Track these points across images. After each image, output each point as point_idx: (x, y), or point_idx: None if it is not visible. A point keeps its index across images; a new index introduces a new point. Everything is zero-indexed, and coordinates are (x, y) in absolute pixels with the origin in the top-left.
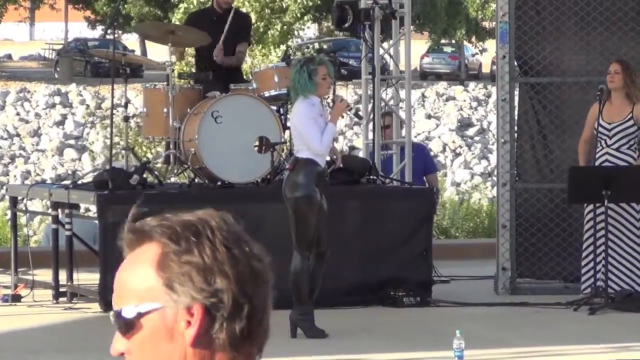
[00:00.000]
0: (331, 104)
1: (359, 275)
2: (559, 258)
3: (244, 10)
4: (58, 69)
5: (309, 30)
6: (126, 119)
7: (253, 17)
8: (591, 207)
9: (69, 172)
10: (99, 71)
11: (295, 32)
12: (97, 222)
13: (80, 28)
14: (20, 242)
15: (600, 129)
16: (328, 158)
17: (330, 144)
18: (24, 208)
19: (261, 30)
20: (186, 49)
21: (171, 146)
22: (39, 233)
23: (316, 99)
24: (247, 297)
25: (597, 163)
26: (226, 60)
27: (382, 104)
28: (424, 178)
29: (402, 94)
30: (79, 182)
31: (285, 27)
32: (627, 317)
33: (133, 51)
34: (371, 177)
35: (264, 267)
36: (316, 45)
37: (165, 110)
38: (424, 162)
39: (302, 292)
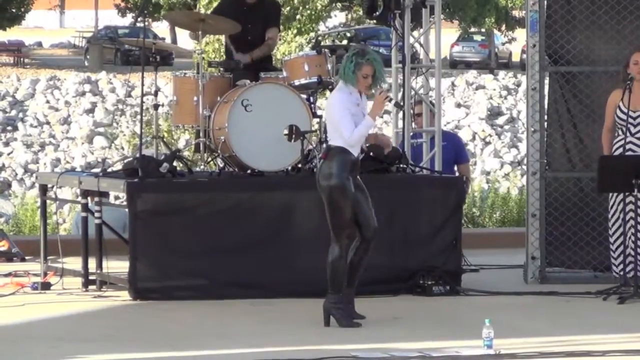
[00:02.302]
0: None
1: (388, 264)
2: (589, 247)
3: None
4: (88, 57)
5: (336, 18)
6: (156, 107)
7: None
8: (620, 196)
9: (99, 159)
10: (129, 59)
11: (322, 20)
12: (126, 210)
13: (110, 16)
14: (50, 230)
15: (622, 116)
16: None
17: (362, 136)
18: (53, 196)
19: (288, 15)
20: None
21: (201, 134)
22: (69, 221)
23: (354, 90)
24: None
25: (619, 151)
26: (257, 52)
27: (412, 92)
28: (455, 167)
29: (432, 82)
30: (109, 170)
31: (313, 13)
32: None
33: (163, 39)
34: (401, 165)
35: None
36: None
37: (195, 98)
38: (456, 151)
39: (337, 281)
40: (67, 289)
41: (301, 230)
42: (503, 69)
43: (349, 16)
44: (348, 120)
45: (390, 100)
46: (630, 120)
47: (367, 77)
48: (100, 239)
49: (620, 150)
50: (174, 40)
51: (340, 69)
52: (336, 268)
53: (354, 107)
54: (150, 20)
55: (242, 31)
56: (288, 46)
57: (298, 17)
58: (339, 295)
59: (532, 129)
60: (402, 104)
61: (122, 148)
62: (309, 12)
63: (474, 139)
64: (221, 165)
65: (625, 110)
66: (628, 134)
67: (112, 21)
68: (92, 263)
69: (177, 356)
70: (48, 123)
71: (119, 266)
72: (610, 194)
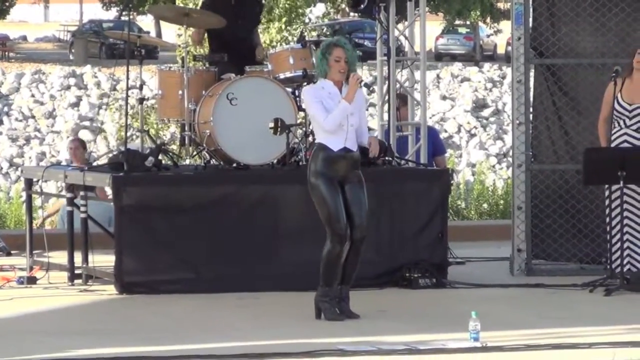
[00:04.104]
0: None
1: (374, 257)
2: (575, 240)
3: None
4: (73, 51)
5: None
6: (141, 101)
7: None
8: (614, 189)
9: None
10: (113, 53)
11: (300, 11)
12: (112, 204)
13: (94, 9)
14: (36, 225)
15: (619, 108)
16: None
17: (337, 121)
18: (39, 190)
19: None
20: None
21: (186, 128)
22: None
23: (327, 83)
24: None
25: (615, 143)
26: (261, 53)
27: (397, 85)
28: (433, 160)
29: (417, 75)
30: (94, 164)
31: (288, 4)
32: None
33: (148, 33)
34: (387, 158)
35: None
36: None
37: (180, 92)
38: (433, 144)
39: (326, 275)
40: (53, 283)
41: (287, 224)
42: (488, 62)
43: (329, 6)
44: (319, 107)
45: (361, 82)
46: (625, 112)
47: (339, 60)
48: (86, 233)
49: (619, 142)
50: (159, 34)
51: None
52: (325, 262)
53: (326, 99)
54: (135, 13)
55: (229, 27)
56: (269, 35)
57: (276, 11)
58: (327, 289)
59: (518, 122)
60: (368, 83)
61: (107, 141)
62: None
63: (459, 131)
64: (207, 159)
65: (622, 103)
66: (623, 126)
67: (97, 15)
68: (77, 257)
69: (163, 350)
70: (33, 117)
71: (104, 260)
72: (606, 187)
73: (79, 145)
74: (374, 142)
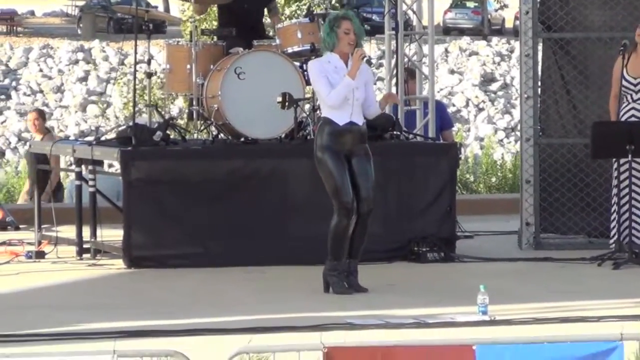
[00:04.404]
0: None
1: (382, 231)
2: (583, 213)
3: None
4: (81, 25)
5: None
6: (149, 75)
7: None
8: (622, 162)
9: (92, 128)
10: (121, 27)
11: None
12: (120, 178)
13: None
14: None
15: (625, 83)
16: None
17: (341, 96)
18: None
19: None
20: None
21: (194, 102)
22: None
23: (333, 57)
24: None
25: (623, 118)
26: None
27: (405, 59)
28: (440, 134)
29: (425, 49)
30: (102, 138)
31: None
32: None
33: (156, 7)
34: (395, 132)
35: None
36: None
37: (188, 66)
38: (440, 118)
39: (334, 248)
40: (61, 258)
41: (295, 198)
42: (496, 35)
43: None
44: (323, 82)
45: (364, 57)
46: (631, 86)
47: (348, 32)
48: (94, 208)
49: (627, 117)
50: (167, 9)
51: (321, 39)
52: (333, 235)
53: (332, 73)
54: None
55: (236, 1)
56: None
57: None
58: (335, 263)
59: (526, 96)
60: (370, 60)
61: (116, 117)
62: None
63: (467, 105)
64: (214, 133)
65: (627, 77)
66: (631, 101)
67: None
68: (86, 231)
69: (171, 324)
70: (41, 92)
71: (113, 234)
72: (614, 161)
73: (38, 116)
74: (383, 100)
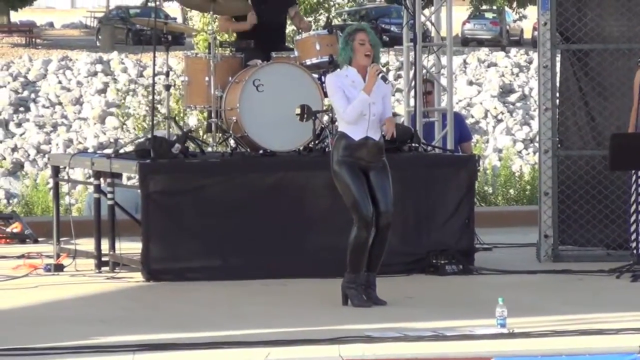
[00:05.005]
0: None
1: (400, 243)
2: (601, 225)
3: None
4: (100, 37)
5: None
6: (167, 87)
7: None
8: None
9: (111, 140)
10: (140, 39)
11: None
12: (139, 191)
13: None
14: (63, 212)
15: None
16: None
17: (357, 112)
18: (66, 177)
19: None
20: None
21: (213, 115)
22: (81, 202)
23: (351, 71)
24: None
25: None
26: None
27: (424, 71)
28: (459, 146)
29: (444, 60)
30: (121, 151)
31: None
32: None
33: (175, 19)
34: (413, 144)
35: None
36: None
37: (206, 78)
38: (459, 129)
39: (353, 261)
40: (80, 271)
41: (313, 210)
42: (515, 47)
43: None
44: (340, 97)
45: (380, 74)
46: None
47: (363, 42)
48: (112, 220)
49: None
50: (185, 21)
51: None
52: (352, 248)
53: (349, 87)
54: (161, 0)
55: (257, 13)
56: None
57: None
58: (354, 275)
59: (544, 107)
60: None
61: (134, 129)
62: None
63: (486, 116)
64: (233, 146)
65: None
66: None
67: (124, 1)
68: (104, 244)
69: (190, 337)
70: (60, 103)
71: (131, 247)
72: (632, 173)
73: None
74: (388, 122)
